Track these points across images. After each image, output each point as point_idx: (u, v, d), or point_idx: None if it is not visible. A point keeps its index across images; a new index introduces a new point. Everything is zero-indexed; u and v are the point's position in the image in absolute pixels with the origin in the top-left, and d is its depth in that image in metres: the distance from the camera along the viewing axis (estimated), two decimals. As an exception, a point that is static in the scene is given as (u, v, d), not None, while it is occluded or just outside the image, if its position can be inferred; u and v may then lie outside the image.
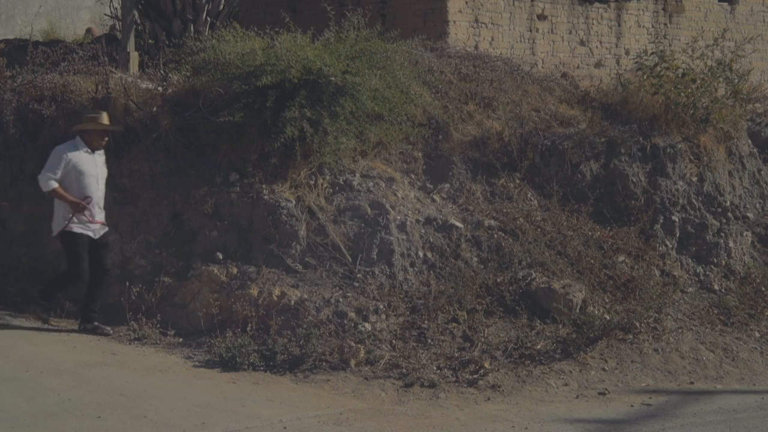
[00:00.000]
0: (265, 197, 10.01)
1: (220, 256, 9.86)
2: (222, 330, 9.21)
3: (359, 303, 9.42)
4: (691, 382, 9.39)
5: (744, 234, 11.72)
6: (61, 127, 10.78)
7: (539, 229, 10.65)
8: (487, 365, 8.99)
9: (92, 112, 9.68)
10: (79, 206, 9.18)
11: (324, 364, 8.84)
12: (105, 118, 9.52)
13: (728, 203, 11.80)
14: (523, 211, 10.83)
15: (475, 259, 10.20)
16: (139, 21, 13.80)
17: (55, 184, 9.12)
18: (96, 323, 9.41)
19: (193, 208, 10.15)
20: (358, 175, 10.48)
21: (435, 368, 8.89)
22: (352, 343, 9.01)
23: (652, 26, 16.23)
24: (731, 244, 11.48)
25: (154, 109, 10.66)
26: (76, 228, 9.21)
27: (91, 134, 9.39)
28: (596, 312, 9.79)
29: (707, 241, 11.43)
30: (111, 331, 9.39)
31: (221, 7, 13.88)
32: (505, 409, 8.31)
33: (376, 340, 9.11)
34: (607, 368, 9.39)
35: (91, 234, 9.30)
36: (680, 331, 10.09)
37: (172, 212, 10.27)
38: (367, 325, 9.25)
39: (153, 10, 13.71)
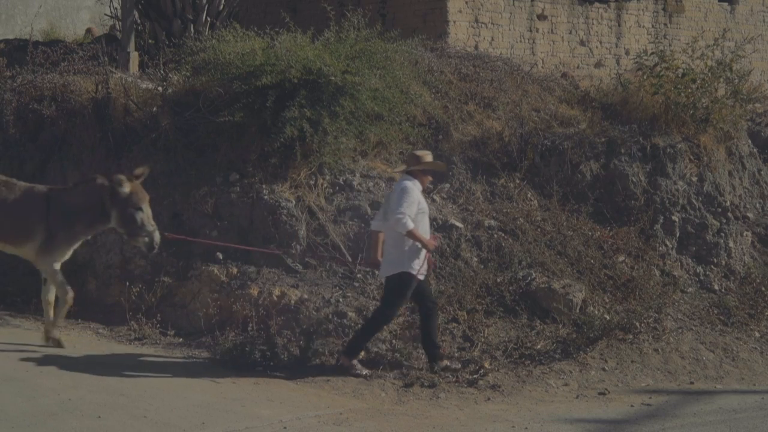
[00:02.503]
0: (265, 197, 10.01)
1: (220, 256, 9.86)
2: (222, 330, 9.21)
3: (359, 303, 9.42)
4: (691, 382, 9.39)
5: (744, 234, 11.71)
6: (61, 127, 10.80)
7: (539, 229, 10.65)
8: (487, 365, 8.99)
9: (421, 150, 9.18)
10: (432, 246, 8.68)
11: (324, 364, 8.84)
12: (431, 157, 9.05)
13: (728, 203, 11.79)
14: (523, 211, 10.83)
15: (475, 259, 10.20)
16: (139, 21, 13.81)
17: (412, 225, 8.39)
18: (446, 362, 8.83)
19: (193, 208, 10.15)
20: (358, 175, 10.48)
21: (435, 368, 8.89)
22: (352, 343, 9.01)
23: (652, 26, 16.22)
24: (731, 244, 11.47)
25: (154, 109, 10.67)
26: (414, 270, 8.57)
27: (425, 173, 8.79)
28: (596, 312, 9.79)
29: (707, 241, 11.43)
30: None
31: (221, 7, 13.88)
32: (505, 409, 8.31)
33: (376, 340, 9.10)
34: (607, 368, 9.39)
35: (421, 276, 8.68)
36: (680, 331, 10.09)
37: (172, 212, 10.26)
38: (367, 325, 9.24)
39: (153, 10, 13.71)
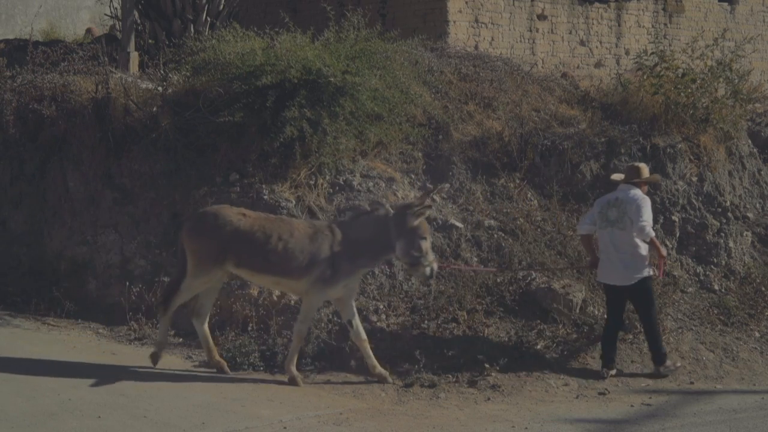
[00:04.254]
0: (265, 197, 10.00)
1: (220, 256, 9.84)
2: (222, 330, 9.21)
3: (359, 303, 9.41)
4: (691, 382, 9.39)
5: (744, 234, 11.71)
6: (61, 127, 10.80)
7: (539, 229, 10.65)
8: (487, 365, 8.99)
9: (639, 163, 9.86)
10: (664, 251, 9.51)
11: (324, 364, 8.84)
12: (648, 170, 9.78)
13: (728, 203, 11.79)
14: (523, 211, 10.83)
15: (475, 259, 10.20)
16: (139, 21, 13.82)
17: (653, 233, 9.26)
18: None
19: (193, 208, 10.14)
20: (358, 175, 10.48)
21: (435, 368, 8.89)
22: (353, 343, 9.00)
23: (652, 26, 16.23)
24: (731, 244, 11.47)
25: (154, 109, 10.67)
26: (648, 273, 9.28)
27: (645, 184, 9.56)
28: (596, 312, 9.79)
29: (707, 241, 11.42)
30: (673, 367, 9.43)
31: (221, 7, 13.90)
32: (505, 409, 8.31)
33: (376, 340, 9.10)
34: (606, 368, 9.38)
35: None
36: (680, 331, 10.08)
37: (172, 212, 10.27)
38: (367, 325, 9.24)
39: (153, 10, 13.72)
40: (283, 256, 8.19)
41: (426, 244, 8.35)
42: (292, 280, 8.30)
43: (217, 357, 8.60)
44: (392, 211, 8.37)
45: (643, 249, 9.19)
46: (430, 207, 8.57)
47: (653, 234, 9.22)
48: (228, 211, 8.46)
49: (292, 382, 8.38)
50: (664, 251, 9.47)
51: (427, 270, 8.39)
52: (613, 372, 9.24)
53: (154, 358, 8.49)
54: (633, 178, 9.44)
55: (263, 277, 8.44)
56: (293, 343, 8.45)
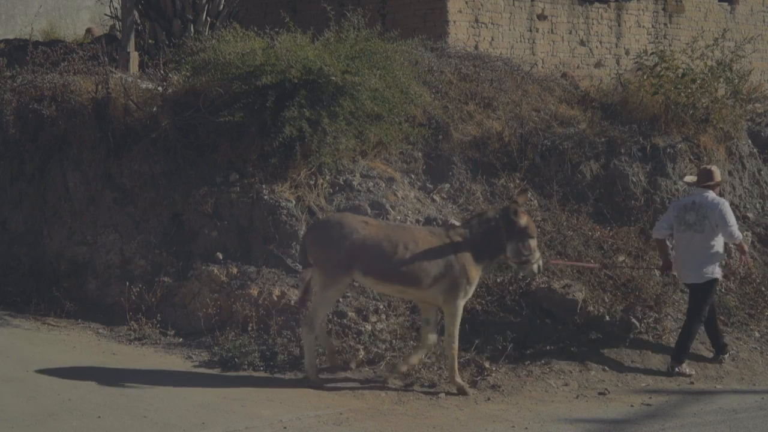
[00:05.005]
0: (265, 197, 10.01)
1: (220, 256, 9.86)
2: (222, 330, 9.21)
3: (359, 303, 9.42)
4: (691, 382, 9.39)
5: (744, 234, 11.70)
6: (61, 127, 10.80)
7: (539, 229, 10.63)
8: (487, 365, 8.98)
9: (712, 166, 10.04)
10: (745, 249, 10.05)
11: (324, 364, 8.84)
12: (719, 172, 10.02)
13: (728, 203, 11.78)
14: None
15: (475, 259, 10.18)
16: (139, 21, 13.81)
17: (741, 235, 9.74)
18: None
19: (193, 208, 10.15)
20: (358, 175, 10.48)
21: (435, 368, 8.89)
22: (352, 343, 9.01)
23: (652, 26, 16.24)
24: (731, 244, 11.46)
25: (154, 109, 10.67)
26: (718, 275, 9.62)
27: (718, 186, 9.81)
28: (596, 312, 9.79)
29: (707, 241, 11.40)
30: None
31: (221, 7, 13.89)
32: (505, 409, 8.31)
33: (376, 340, 9.11)
34: (607, 368, 9.39)
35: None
36: (680, 331, 10.07)
37: (172, 212, 10.27)
38: (367, 325, 9.24)
39: (153, 10, 13.72)
40: (411, 265, 8.23)
41: (534, 243, 8.56)
42: (420, 289, 8.35)
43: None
44: (497, 214, 8.58)
45: (718, 250, 9.52)
46: (524, 204, 8.82)
47: (741, 236, 9.73)
48: (351, 219, 8.51)
49: (462, 391, 8.48)
50: (746, 247, 10.06)
51: (535, 267, 8.65)
52: (727, 355, 9.76)
53: (307, 383, 8.40)
54: (707, 181, 9.67)
55: (389, 286, 8.46)
56: (450, 358, 8.48)
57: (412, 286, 8.32)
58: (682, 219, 9.56)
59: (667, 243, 9.86)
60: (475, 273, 8.46)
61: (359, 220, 8.47)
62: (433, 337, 8.56)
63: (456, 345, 8.46)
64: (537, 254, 8.61)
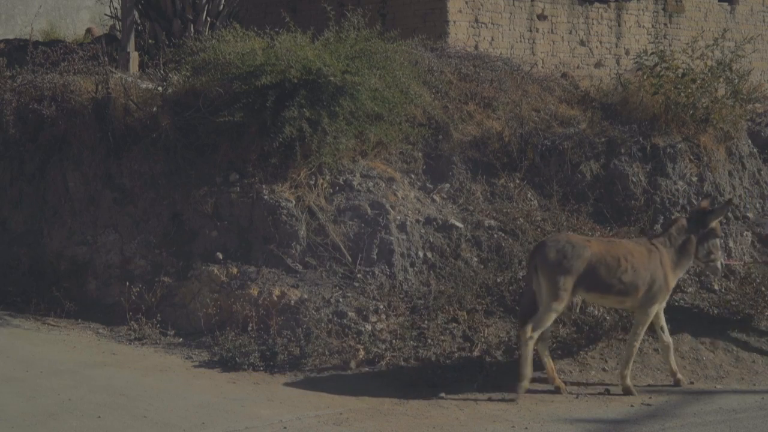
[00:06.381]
0: (265, 197, 10.01)
1: (220, 256, 9.86)
2: (222, 330, 9.21)
3: (359, 303, 9.42)
4: (691, 382, 9.39)
5: (744, 234, 11.70)
6: (61, 127, 10.80)
7: (539, 229, 10.64)
8: (486, 365, 8.98)
9: None
10: None
11: (324, 364, 8.84)
12: None
13: (728, 203, 11.78)
14: (523, 211, 10.83)
15: (475, 259, 10.20)
16: (139, 21, 13.81)
17: None
18: None
19: (193, 208, 10.15)
20: (358, 175, 10.48)
21: (435, 368, 8.89)
22: (352, 343, 9.02)
23: (652, 26, 16.22)
24: (731, 244, 11.46)
25: (154, 109, 10.67)
26: None
27: None
28: (596, 312, 9.79)
29: (707, 241, 11.41)
30: None
31: (221, 7, 13.89)
32: (505, 409, 8.31)
33: (376, 340, 9.11)
34: (607, 368, 9.39)
35: None
36: (680, 331, 10.08)
37: (172, 212, 10.27)
38: (367, 325, 9.25)
39: (153, 10, 13.71)
40: (632, 277, 8.77)
41: (719, 242, 9.20)
42: (636, 298, 8.86)
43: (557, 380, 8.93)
44: (693, 219, 9.14)
45: None
46: (728, 207, 9.44)
47: None
48: (576, 239, 8.97)
49: (627, 392, 8.88)
50: None
51: (719, 264, 9.24)
52: None
53: (520, 390, 8.64)
54: None
55: (609, 298, 8.94)
56: (627, 357, 8.95)
57: (629, 296, 8.85)
58: None
59: None
60: (673, 279, 9.06)
61: (582, 239, 8.98)
62: (667, 336, 9.16)
63: (637, 346, 9.00)
64: (719, 253, 9.21)
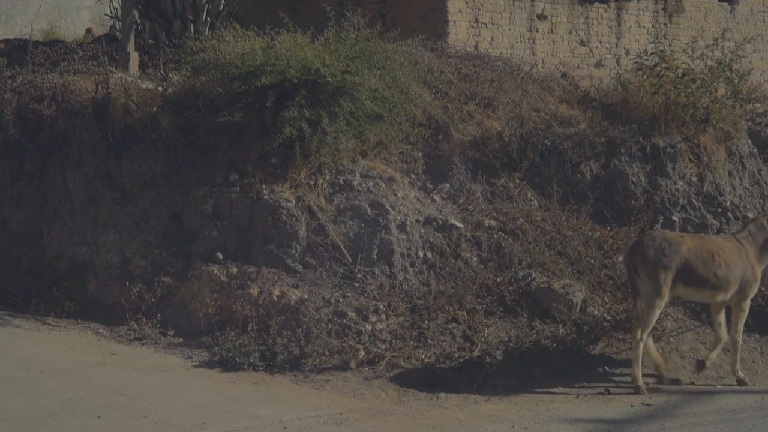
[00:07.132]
0: (265, 197, 10.01)
1: (220, 256, 9.86)
2: (222, 330, 9.21)
3: (359, 303, 9.42)
4: (691, 382, 9.39)
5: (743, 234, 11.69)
6: (61, 127, 10.80)
7: (539, 229, 10.65)
8: (486, 365, 8.98)
9: None
10: None
11: (324, 364, 8.85)
12: None
13: (728, 203, 11.79)
14: (523, 211, 10.83)
15: (475, 259, 10.20)
16: (139, 21, 13.80)
17: None
18: None
19: (193, 208, 10.15)
20: (358, 175, 10.48)
21: (435, 368, 8.89)
22: (352, 343, 9.02)
23: (652, 26, 16.21)
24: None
25: (154, 109, 10.67)
26: None
27: None
28: (596, 312, 9.79)
29: (707, 241, 11.41)
30: None
31: (221, 7, 13.88)
32: (505, 409, 8.32)
33: (376, 340, 9.11)
34: (607, 368, 9.39)
35: None
36: (680, 331, 10.09)
37: (172, 212, 10.27)
38: (367, 325, 9.25)
39: (153, 10, 13.71)
40: (726, 272, 9.19)
41: None
42: (727, 292, 9.27)
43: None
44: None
45: None
46: None
47: None
48: (671, 235, 9.38)
49: (741, 382, 9.43)
50: None
51: None
52: None
53: (641, 391, 8.99)
54: None
55: (704, 292, 9.29)
56: (735, 351, 9.43)
57: (722, 290, 9.23)
58: None
59: None
60: (759, 272, 9.45)
61: (677, 236, 9.38)
62: (725, 333, 9.43)
63: (740, 341, 9.43)
64: None
